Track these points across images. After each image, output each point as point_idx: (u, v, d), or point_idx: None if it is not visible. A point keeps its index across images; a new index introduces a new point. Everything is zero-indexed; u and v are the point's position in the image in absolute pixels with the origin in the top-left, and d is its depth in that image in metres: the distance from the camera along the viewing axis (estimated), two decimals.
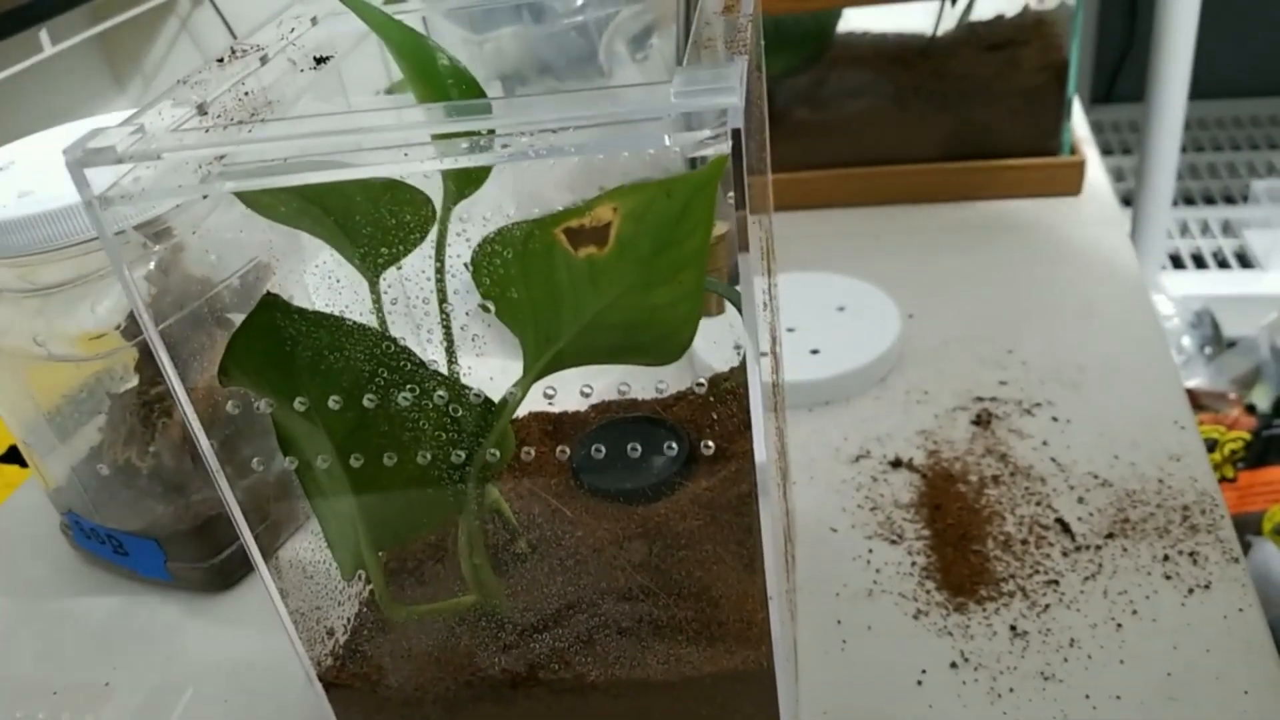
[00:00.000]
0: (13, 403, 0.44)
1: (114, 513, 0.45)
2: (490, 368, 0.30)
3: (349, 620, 0.34)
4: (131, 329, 0.41)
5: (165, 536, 0.44)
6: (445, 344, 0.29)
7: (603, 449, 0.31)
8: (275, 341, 0.27)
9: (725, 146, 0.22)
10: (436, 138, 0.23)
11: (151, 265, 0.39)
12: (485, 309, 0.25)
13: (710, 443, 0.29)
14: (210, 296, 0.38)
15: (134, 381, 0.43)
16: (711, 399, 0.30)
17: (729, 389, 0.30)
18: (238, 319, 0.40)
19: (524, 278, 0.25)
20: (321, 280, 0.31)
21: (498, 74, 0.54)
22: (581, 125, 0.22)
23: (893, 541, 0.43)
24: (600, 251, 0.24)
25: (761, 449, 0.27)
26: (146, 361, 0.43)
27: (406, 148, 0.23)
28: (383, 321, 0.29)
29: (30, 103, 1.04)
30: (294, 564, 0.32)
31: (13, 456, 0.81)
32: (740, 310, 0.24)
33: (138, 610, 0.45)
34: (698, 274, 0.25)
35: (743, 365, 0.25)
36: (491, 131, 0.23)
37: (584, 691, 0.32)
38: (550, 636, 0.32)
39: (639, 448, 0.30)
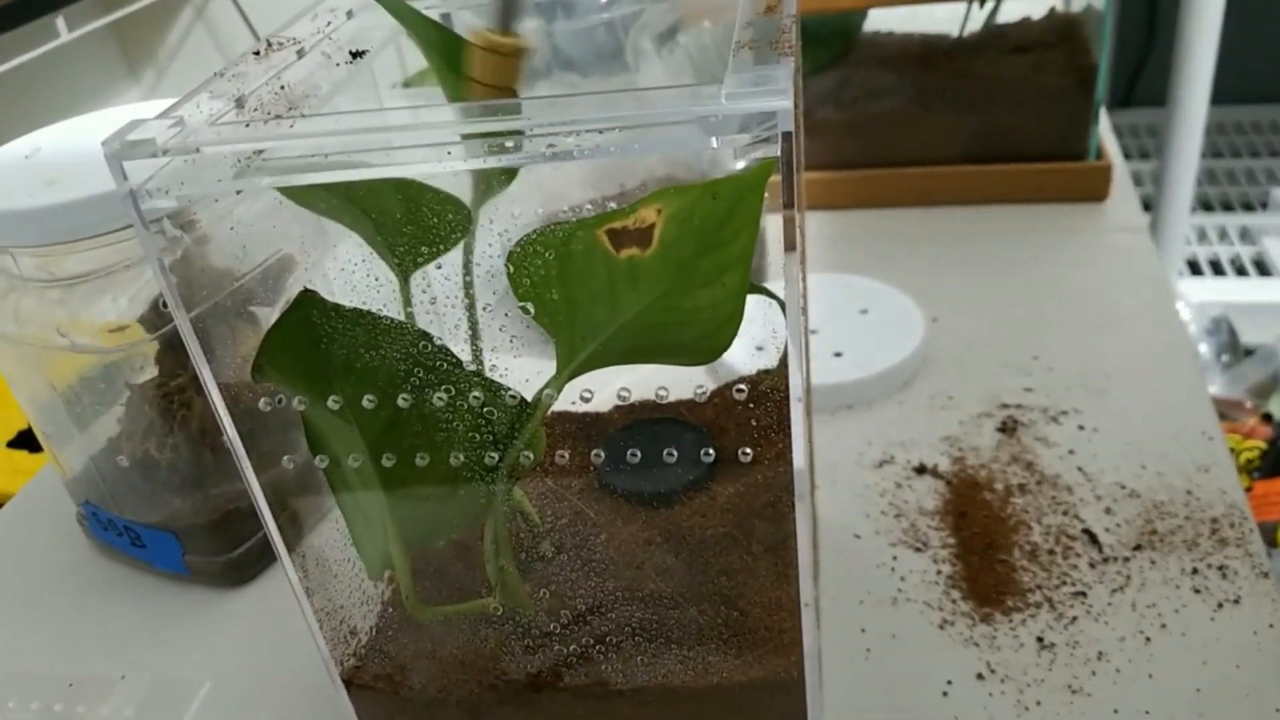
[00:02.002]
0: (33, 392, 0.44)
1: (132, 504, 0.44)
2: (516, 365, 0.29)
3: (372, 620, 0.34)
4: (153, 321, 0.41)
5: (183, 529, 0.44)
6: (474, 343, 0.29)
7: (637, 452, 0.31)
8: (311, 339, 0.26)
9: (774, 149, 0.22)
10: (477, 136, 0.23)
11: (178, 255, 0.39)
12: (526, 310, 0.25)
13: (747, 450, 0.28)
14: (234, 289, 0.38)
15: (153, 373, 0.43)
16: (747, 402, 0.30)
17: (763, 390, 0.29)
18: (259, 312, 0.39)
19: (563, 278, 0.25)
20: (339, 275, 0.30)
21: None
22: (630, 126, 0.22)
23: (917, 549, 0.42)
24: (643, 253, 0.24)
25: (800, 454, 0.26)
26: (167, 354, 0.43)
27: (450, 145, 0.22)
28: (411, 318, 0.29)
29: (43, 90, 1.03)
30: (319, 562, 0.32)
31: (22, 441, 0.81)
32: (784, 310, 0.24)
33: (154, 603, 0.45)
34: (742, 276, 0.24)
35: (783, 367, 0.25)
36: (520, 133, 0.22)
37: (609, 697, 0.32)
38: (575, 640, 0.32)
39: (675, 452, 0.29)
